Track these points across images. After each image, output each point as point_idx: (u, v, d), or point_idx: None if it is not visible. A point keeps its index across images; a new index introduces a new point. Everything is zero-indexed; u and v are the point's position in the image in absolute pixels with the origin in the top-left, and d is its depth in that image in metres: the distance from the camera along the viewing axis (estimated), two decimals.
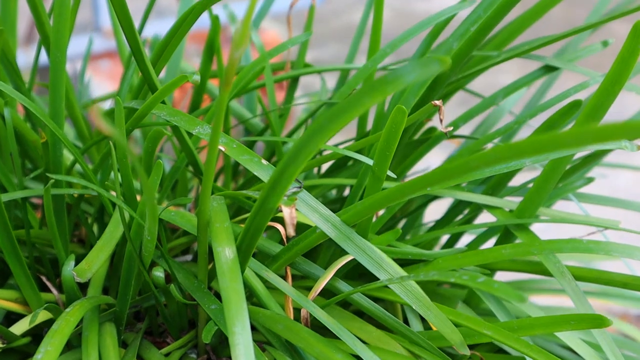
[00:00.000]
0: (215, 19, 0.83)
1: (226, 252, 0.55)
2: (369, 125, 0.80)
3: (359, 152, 0.74)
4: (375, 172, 0.66)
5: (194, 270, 0.68)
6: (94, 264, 0.63)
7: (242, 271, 0.61)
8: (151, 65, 0.65)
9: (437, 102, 0.68)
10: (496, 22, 0.68)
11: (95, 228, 0.81)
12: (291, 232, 0.54)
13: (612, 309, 1.50)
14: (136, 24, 0.85)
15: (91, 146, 0.72)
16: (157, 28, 2.11)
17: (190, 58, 2.55)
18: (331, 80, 1.02)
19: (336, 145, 0.87)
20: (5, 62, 0.72)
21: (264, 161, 0.59)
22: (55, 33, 0.65)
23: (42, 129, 0.66)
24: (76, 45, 2.11)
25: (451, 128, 0.68)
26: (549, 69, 0.76)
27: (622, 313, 1.60)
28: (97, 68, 2.39)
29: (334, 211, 0.82)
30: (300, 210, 0.58)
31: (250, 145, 0.91)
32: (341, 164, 0.82)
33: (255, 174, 0.59)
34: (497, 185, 0.77)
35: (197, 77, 0.58)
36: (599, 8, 0.88)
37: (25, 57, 2.28)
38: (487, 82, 1.21)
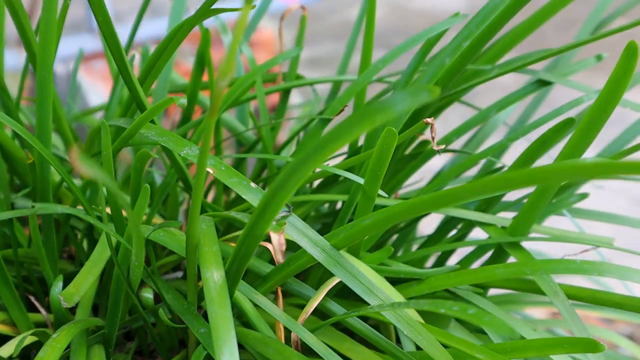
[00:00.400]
0: (205, 32, 0.82)
1: (214, 277, 0.54)
2: (361, 139, 0.79)
3: (351, 169, 0.73)
4: (366, 191, 0.66)
5: (185, 289, 0.68)
6: (81, 287, 0.62)
7: (231, 295, 0.60)
8: (139, 85, 0.64)
9: (429, 120, 0.68)
10: (488, 39, 0.67)
11: (85, 243, 0.80)
12: (280, 259, 0.54)
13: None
14: (131, 23, 0.84)
15: None
16: (152, 27, 2.09)
17: (185, 57, 2.54)
18: (325, 85, 1.01)
19: (328, 160, 0.86)
20: None
21: (252, 184, 0.58)
22: (41, 51, 0.64)
23: (29, 149, 0.65)
24: (69, 46, 2.10)
25: (443, 146, 0.68)
26: (543, 83, 0.76)
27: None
28: (90, 68, 2.38)
29: (327, 225, 0.81)
30: (290, 234, 0.57)
31: (243, 159, 0.90)
32: (333, 179, 0.81)
33: (244, 197, 0.58)
34: (490, 200, 0.76)
35: (184, 101, 0.57)
36: (600, 8, 0.86)
37: (17, 59, 2.26)
38: None
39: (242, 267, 0.58)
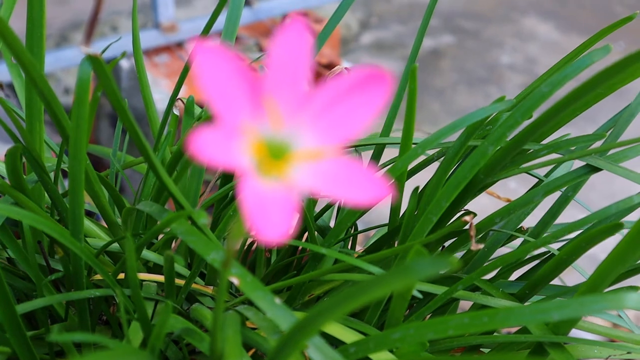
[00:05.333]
0: None
1: None
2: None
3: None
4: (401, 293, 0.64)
5: None
6: None
7: None
8: (171, 182, 0.63)
9: (467, 219, 0.65)
10: (532, 135, 0.64)
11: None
12: None
13: None
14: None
15: (109, 244, 0.71)
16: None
17: (249, 50, 2.52)
18: None
19: (365, 230, 0.84)
20: (30, 157, 0.71)
21: (277, 300, 0.57)
22: (73, 146, 0.63)
23: (59, 246, 0.65)
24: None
25: (481, 246, 0.65)
26: (593, 167, 0.71)
27: None
28: (154, 63, 2.37)
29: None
30: (311, 356, 0.56)
31: None
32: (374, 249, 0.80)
33: (267, 314, 0.57)
34: (536, 285, 0.73)
35: (205, 221, 0.56)
36: None
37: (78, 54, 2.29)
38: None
39: None
